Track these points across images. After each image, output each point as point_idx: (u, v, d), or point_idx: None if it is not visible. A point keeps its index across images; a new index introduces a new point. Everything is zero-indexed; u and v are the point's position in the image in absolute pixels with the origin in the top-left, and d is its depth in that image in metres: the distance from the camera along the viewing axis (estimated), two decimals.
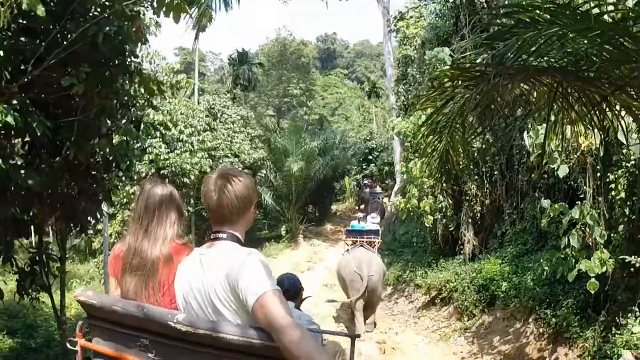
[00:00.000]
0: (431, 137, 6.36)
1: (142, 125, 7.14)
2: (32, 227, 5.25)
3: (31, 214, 4.74)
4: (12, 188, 3.70)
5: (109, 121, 4.55)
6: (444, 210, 10.32)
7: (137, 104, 7.22)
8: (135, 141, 6.16)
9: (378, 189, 21.61)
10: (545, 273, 6.43)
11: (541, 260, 6.68)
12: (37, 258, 5.81)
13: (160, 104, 7.68)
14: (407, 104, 13.44)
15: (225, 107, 18.73)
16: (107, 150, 4.89)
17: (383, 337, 9.16)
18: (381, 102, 36.26)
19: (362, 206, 24.13)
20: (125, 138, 5.40)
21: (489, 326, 8.07)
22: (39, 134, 3.47)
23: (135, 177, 11.67)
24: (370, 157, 26.38)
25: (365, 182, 23.69)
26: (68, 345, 2.26)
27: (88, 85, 4.02)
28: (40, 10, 3.24)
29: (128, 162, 6.41)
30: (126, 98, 6.28)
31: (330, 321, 10.47)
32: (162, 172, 11.99)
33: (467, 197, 9.95)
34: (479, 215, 9.86)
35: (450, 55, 9.62)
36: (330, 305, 11.42)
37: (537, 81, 3.61)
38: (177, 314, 1.88)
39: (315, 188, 21.64)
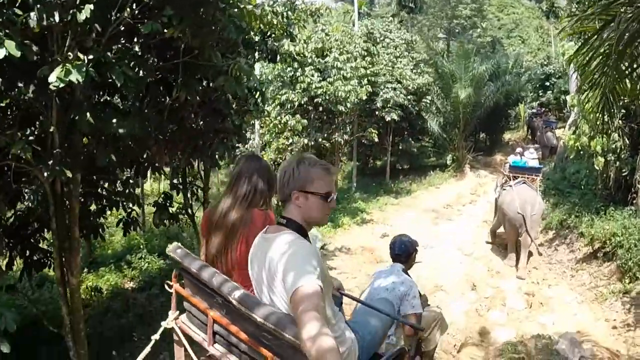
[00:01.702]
0: (591, 67, 5.25)
1: (277, 57, 7.07)
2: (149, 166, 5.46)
3: (145, 155, 5.01)
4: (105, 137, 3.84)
5: (220, 59, 4.37)
6: (618, 151, 8.91)
7: (274, 35, 7.13)
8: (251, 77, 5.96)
9: (552, 118, 19.53)
10: None
11: None
12: (169, 194, 6.29)
13: (300, 33, 7.43)
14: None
15: (388, 31, 17.89)
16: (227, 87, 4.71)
17: (533, 289, 8.58)
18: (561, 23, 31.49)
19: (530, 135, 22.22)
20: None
21: None
22: (118, 85, 3.45)
23: (288, 106, 11.90)
24: (547, 84, 23.86)
25: (534, 110, 21.43)
26: (166, 286, 2.56)
27: (180, 27, 3.89)
28: None
29: (259, 97, 6.39)
30: (251, 33, 6.20)
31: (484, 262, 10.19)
32: (315, 100, 11.96)
33: None
34: None
35: None
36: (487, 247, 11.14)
37: None
38: (235, 291, 2.08)
39: (486, 115, 20.31)
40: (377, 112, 16.15)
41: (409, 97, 16.82)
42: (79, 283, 4.94)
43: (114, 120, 3.69)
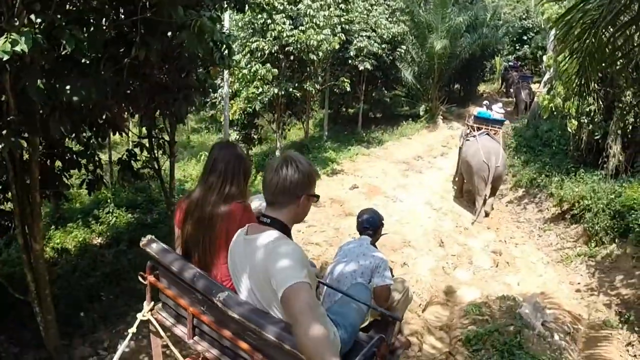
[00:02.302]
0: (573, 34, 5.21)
1: (246, 7, 6.77)
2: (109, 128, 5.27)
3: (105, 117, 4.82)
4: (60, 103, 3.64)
5: (182, 15, 4.12)
6: (591, 114, 8.91)
7: None
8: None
9: (528, 72, 19.47)
10: None
11: None
12: (133, 151, 6.14)
13: None
14: None
15: None
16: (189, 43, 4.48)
17: (500, 248, 8.67)
18: None
19: (504, 88, 22.16)
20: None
21: (616, 260, 7.13)
22: (69, 50, 3.24)
23: (258, 54, 11.52)
24: (525, 38, 23.68)
25: (510, 63, 21.31)
26: (140, 279, 2.54)
27: None
28: None
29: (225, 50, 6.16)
30: None
31: (452, 217, 10.29)
32: (286, 49, 11.61)
33: (621, 105, 8.40)
34: (630, 127, 8.39)
35: None
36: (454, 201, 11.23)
37: None
38: (220, 293, 2.05)
39: (461, 67, 20.08)
40: (350, 61, 15.82)
41: (383, 46, 16.45)
42: (42, 248, 4.82)
43: (67, 87, 3.49)
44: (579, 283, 7.17)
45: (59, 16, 3.28)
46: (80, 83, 3.63)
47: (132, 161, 6.22)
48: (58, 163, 5.39)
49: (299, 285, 1.80)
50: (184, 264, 2.33)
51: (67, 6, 3.63)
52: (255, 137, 14.08)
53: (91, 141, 5.44)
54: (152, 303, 2.55)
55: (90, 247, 7.97)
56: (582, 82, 8.43)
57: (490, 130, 10.70)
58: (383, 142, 17.46)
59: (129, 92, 4.89)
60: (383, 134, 18.46)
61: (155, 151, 6.97)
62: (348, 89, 14.66)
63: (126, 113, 5.99)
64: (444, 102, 20.29)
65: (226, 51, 6.18)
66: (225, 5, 6.50)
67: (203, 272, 2.33)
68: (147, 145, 6.66)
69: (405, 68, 18.95)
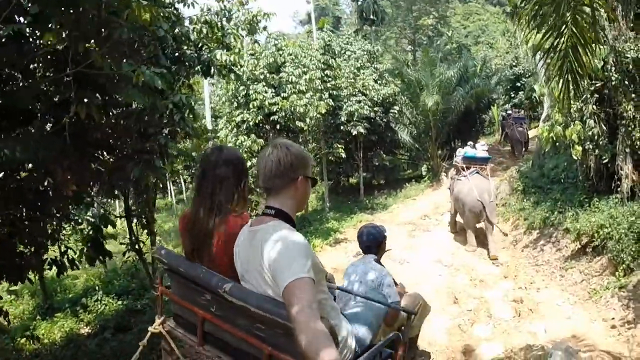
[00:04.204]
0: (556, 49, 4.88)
1: (212, 69, 6.57)
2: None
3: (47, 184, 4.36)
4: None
5: (114, 66, 3.75)
6: (595, 138, 8.36)
7: (207, 46, 6.63)
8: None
9: (521, 113, 19.57)
10: None
11: None
12: (98, 226, 5.64)
13: (236, 42, 6.99)
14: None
15: (348, 44, 17.63)
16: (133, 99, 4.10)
17: (521, 295, 7.92)
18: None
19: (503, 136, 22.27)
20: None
21: None
22: None
23: (244, 127, 11.35)
24: (518, 85, 23.62)
25: (508, 112, 21.33)
26: (152, 291, 2.41)
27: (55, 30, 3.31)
28: None
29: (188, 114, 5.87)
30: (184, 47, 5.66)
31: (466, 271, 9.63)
32: (271, 118, 11.44)
33: (624, 122, 7.86)
34: (638, 143, 7.75)
35: None
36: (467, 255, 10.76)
37: None
38: (226, 284, 2.02)
39: (458, 121, 19.89)
40: (342, 127, 15.69)
41: (375, 109, 16.41)
42: None
43: None
44: (612, 318, 6.41)
45: None
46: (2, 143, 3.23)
47: (98, 236, 5.72)
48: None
49: (301, 282, 1.77)
50: (190, 264, 2.31)
51: None
52: (251, 213, 13.65)
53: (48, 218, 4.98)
54: (163, 317, 2.51)
55: (75, 337, 7.74)
56: (579, 105, 8.11)
57: (480, 168, 10.98)
58: (387, 206, 17.04)
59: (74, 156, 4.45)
60: (387, 199, 18.08)
61: (136, 230, 6.57)
62: (343, 155, 14.45)
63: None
64: (445, 159, 19.92)
65: (189, 115, 5.87)
66: (192, 70, 6.32)
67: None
68: (126, 219, 6.30)
69: (402, 129, 18.82)
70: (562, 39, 4.56)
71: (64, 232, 5.88)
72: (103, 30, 3.47)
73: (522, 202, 12.19)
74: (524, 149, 18.74)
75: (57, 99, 3.79)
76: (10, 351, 6.66)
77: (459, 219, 11.47)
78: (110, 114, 4.48)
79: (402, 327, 3.03)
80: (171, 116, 5.37)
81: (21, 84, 3.33)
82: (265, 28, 7.88)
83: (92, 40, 3.49)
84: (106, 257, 5.82)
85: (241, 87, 11.11)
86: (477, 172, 10.69)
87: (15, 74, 3.25)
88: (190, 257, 2.38)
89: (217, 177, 2.35)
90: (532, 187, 12.29)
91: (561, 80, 4.96)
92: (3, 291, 7.05)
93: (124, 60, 3.65)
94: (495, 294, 8.19)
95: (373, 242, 3.99)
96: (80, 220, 5.68)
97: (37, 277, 7.69)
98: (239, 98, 11.56)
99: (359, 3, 31.19)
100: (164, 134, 5.37)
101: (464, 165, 11.30)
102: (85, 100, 3.65)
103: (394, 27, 34.74)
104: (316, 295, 1.84)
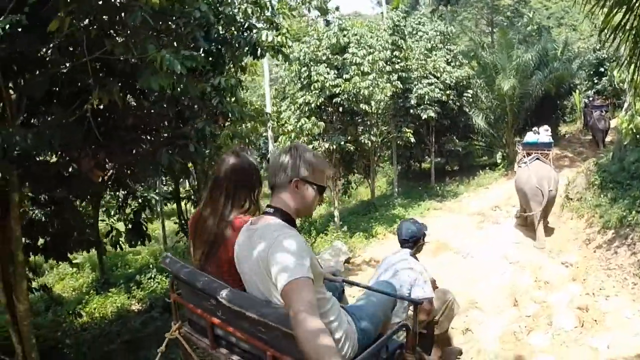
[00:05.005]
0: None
1: (259, 50, 6.39)
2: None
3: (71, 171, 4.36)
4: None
5: (130, 50, 3.61)
6: None
7: (254, 27, 6.46)
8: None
9: (600, 101, 18.07)
10: None
11: None
12: (138, 210, 5.67)
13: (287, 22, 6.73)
14: None
15: (420, 24, 16.93)
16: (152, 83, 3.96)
17: (587, 303, 7.22)
18: None
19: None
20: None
21: None
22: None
23: (306, 109, 11.10)
24: (602, 70, 21.69)
25: (590, 98, 19.66)
26: (165, 298, 2.30)
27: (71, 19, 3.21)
28: None
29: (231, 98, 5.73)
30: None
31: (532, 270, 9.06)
32: (334, 100, 11.12)
33: None
34: None
35: None
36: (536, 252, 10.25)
37: None
38: (222, 290, 2.04)
39: (536, 107, 18.67)
40: (411, 110, 15.11)
41: (447, 92, 15.68)
42: (27, 309, 4.42)
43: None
44: None
45: None
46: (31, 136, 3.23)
47: (140, 222, 5.76)
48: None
49: (299, 282, 1.76)
50: (194, 273, 2.30)
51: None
52: None
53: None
54: (179, 322, 2.53)
55: (125, 313, 7.90)
56: None
57: (541, 154, 10.74)
58: (458, 194, 16.51)
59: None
60: (458, 186, 17.53)
61: (185, 211, 6.59)
62: (412, 140, 13.91)
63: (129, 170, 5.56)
64: None
65: (232, 98, 5.71)
66: (237, 52, 6.17)
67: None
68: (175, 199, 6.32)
69: (476, 114, 18.01)
70: (634, 13, 3.95)
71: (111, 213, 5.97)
72: (117, 16, 3.33)
73: (599, 197, 11.22)
74: (604, 139, 17.65)
75: (77, 87, 3.74)
76: (60, 323, 6.95)
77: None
78: (142, 98, 4.38)
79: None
80: (209, 100, 5.25)
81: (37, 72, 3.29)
82: (337, 8, 7.60)
83: (108, 27, 3.37)
84: (147, 240, 5.89)
85: (303, 69, 10.87)
86: (538, 159, 10.47)
87: (29, 65, 3.22)
88: (200, 262, 2.41)
89: (230, 184, 2.36)
90: (611, 182, 11.27)
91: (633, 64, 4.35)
92: (65, 265, 7.33)
93: (145, 45, 3.53)
94: (559, 299, 7.54)
95: (411, 238, 4.01)
96: (122, 204, 5.76)
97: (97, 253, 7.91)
98: (302, 79, 11.34)
99: None
100: (202, 118, 5.25)
101: (525, 152, 11.14)
102: (105, 86, 3.57)
103: (470, 8, 33.04)
104: (315, 294, 1.83)
